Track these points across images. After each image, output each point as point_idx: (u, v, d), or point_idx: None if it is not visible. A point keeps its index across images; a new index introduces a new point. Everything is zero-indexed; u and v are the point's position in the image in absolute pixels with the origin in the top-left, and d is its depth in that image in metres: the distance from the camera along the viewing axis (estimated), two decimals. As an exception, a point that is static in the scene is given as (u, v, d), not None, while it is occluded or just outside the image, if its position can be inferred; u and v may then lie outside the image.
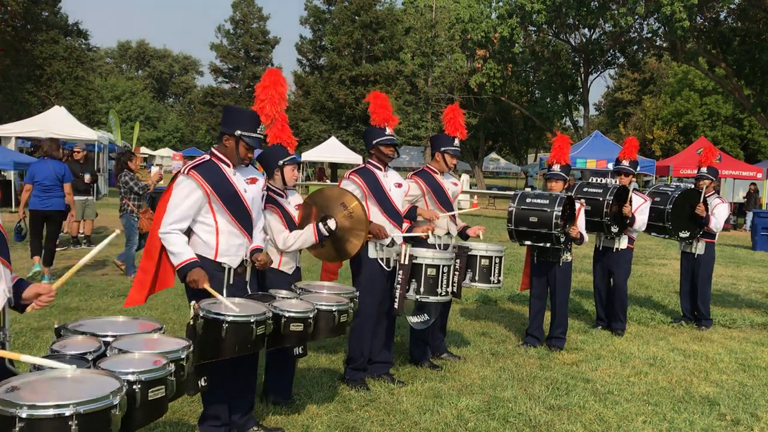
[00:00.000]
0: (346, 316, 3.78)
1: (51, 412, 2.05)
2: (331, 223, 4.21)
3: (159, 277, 3.71)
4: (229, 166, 3.63)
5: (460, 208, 5.97)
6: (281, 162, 4.24)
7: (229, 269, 3.65)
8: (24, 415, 2.02)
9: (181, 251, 3.51)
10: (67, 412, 2.06)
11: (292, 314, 3.50)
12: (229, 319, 3.18)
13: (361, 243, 4.34)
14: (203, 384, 3.32)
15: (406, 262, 4.63)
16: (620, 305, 6.83)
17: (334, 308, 3.71)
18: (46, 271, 8.11)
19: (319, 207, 4.34)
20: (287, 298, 3.75)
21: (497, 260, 5.32)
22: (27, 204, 8.11)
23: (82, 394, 2.13)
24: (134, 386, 2.39)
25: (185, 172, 3.53)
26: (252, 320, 3.25)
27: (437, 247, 5.23)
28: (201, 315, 3.19)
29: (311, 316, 3.56)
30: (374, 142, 4.81)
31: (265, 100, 3.89)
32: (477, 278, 5.27)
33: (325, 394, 4.61)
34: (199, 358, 3.22)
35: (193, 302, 3.31)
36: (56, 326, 2.87)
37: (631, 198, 6.53)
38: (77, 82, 33.41)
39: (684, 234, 7.09)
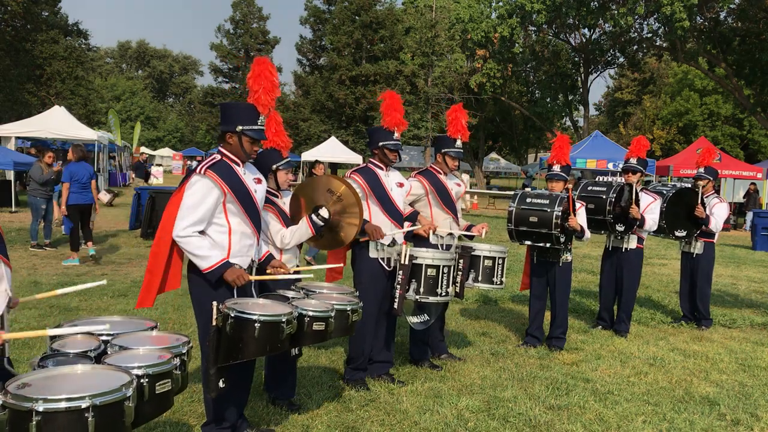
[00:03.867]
0: (357, 315, 3.80)
1: (68, 404, 2.05)
2: (324, 212, 4.17)
3: (168, 279, 3.64)
4: (239, 165, 3.60)
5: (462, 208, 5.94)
6: (275, 167, 4.25)
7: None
8: (41, 409, 2.02)
9: (208, 254, 3.43)
10: (84, 404, 2.07)
11: (316, 313, 3.51)
12: (262, 318, 3.18)
13: (359, 223, 4.28)
14: (222, 385, 3.30)
15: (407, 262, 4.63)
16: (626, 307, 6.79)
17: (348, 308, 3.72)
18: (90, 244, 9.93)
19: (308, 199, 4.32)
20: (299, 298, 3.74)
21: (500, 261, 5.31)
22: (67, 201, 9.48)
23: (95, 388, 2.14)
24: (142, 380, 2.41)
25: (201, 172, 3.45)
26: (283, 319, 3.26)
27: (439, 247, 5.21)
28: (232, 315, 3.17)
29: (332, 315, 3.57)
30: (380, 143, 4.78)
31: (258, 90, 3.79)
32: (480, 279, 5.26)
33: (325, 394, 4.61)
34: (227, 359, 3.21)
35: (215, 303, 3.25)
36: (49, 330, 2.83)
37: (638, 197, 6.47)
38: (77, 82, 33.46)
39: (680, 233, 7.07)
